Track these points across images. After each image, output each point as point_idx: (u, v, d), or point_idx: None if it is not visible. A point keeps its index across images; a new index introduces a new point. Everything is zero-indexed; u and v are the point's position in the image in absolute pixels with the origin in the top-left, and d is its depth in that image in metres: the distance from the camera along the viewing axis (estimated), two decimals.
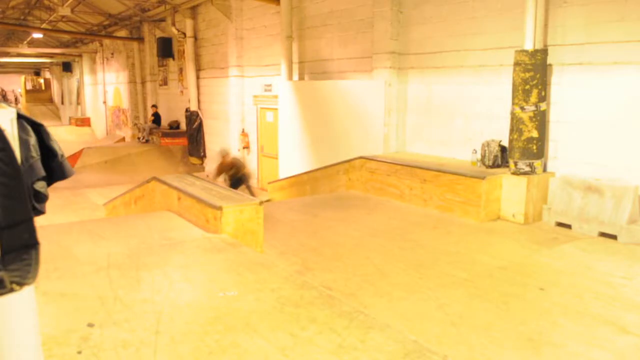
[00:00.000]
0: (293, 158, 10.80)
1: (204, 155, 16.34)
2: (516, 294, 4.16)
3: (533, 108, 6.21)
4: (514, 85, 6.34)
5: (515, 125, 6.36)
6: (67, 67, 31.95)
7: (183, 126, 17.51)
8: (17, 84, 43.23)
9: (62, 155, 1.85)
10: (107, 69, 24.78)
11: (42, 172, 1.74)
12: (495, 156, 6.85)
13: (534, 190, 6.29)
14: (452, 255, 5.12)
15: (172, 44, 17.60)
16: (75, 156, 16.91)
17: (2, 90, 45.11)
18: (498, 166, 6.85)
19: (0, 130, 1.53)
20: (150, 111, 19.69)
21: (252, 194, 9.90)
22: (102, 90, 25.95)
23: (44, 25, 21.73)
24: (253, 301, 3.39)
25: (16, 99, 43.19)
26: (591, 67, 6.08)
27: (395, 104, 8.63)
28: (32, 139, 1.71)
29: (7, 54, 28.73)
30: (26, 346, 1.70)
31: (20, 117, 1.68)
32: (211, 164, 15.62)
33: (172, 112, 18.59)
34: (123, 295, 3.43)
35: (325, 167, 8.93)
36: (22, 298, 1.64)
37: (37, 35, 23.97)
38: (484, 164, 6.96)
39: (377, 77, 8.73)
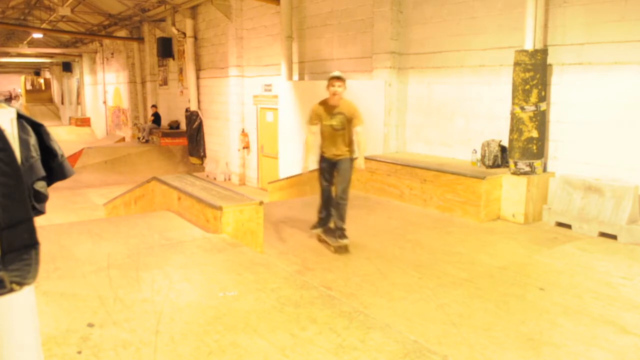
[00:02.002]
0: (293, 158, 10.78)
1: (204, 155, 16.34)
2: (516, 294, 4.17)
3: (533, 108, 6.21)
4: (514, 85, 6.34)
5: (515, 125, 6.36)
6: (67, 67, 31.93)
7: (183, 126, 17.50)
8: (17, 84, 43.22)
9: (62, 155, 1.84)
10: (107, 69, 24.76)
11: (42, 172, 1.73)
12: (495, 156, 6.85)
13: (534, 190, 6.29)
14: (452, 255, 5.12)
15: (172, 44, 17.59)
16: (75, 156, 16.88)
17: (9, 92, 45.17)
18: (498, 166, 6.85)
19: (0, 130, 1.53)
20: (150, 111, 19.69)
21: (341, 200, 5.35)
22: (102, 90, 25.94)
23: (44, 25, 21.73)
24: (253, 301, 3.39)
25: (16, 98, 43.19)
26: (591, 67, 6.07)
27: (396, 103, 8.63)
28: (32, 139, 1.71)
29: (7, 54, 28.71)
30: (26, 346, 1.69)
31: (20, 117, 1.67)
32: (211, 164, 15.62)
33: (172, 112, 18.58)
34: (123, 295, 3.43)
35: None
36: (22, 298, 1.63)
37: (37, 35, 23.97)
38: (484, 164, 6.96)
39: (377, 77, 8.73)
